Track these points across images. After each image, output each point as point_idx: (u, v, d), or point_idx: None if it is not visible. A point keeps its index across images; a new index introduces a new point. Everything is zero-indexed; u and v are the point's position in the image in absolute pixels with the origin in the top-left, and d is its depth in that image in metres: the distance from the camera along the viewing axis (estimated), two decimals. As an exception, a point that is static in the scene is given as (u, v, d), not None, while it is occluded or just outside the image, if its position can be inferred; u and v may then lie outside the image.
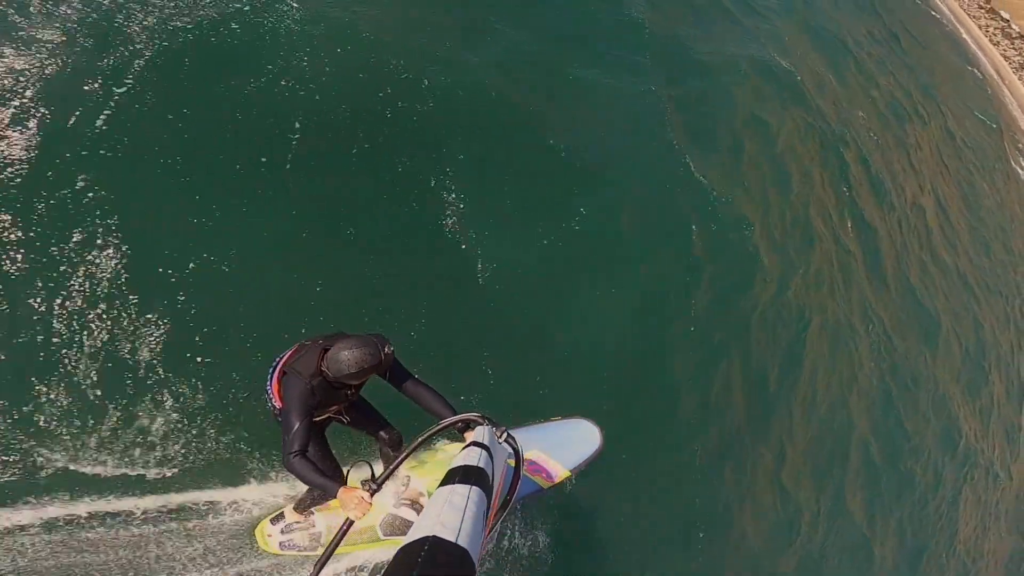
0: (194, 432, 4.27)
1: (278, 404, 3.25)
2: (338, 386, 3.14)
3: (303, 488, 4.00)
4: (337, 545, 2.73)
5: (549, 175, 7.14)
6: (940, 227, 13.92)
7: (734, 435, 7.70)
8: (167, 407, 4.29)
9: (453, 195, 6.28)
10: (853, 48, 15.77)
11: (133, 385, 4.29)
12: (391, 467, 2.98)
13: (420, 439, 3.02)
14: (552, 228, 6.73)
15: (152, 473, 4.07)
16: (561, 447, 4.32)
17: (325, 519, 3.98)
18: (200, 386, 4.43)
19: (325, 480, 2.88)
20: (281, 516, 4.05)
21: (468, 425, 3.13)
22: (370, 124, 6.24)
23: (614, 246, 7.18)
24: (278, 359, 3.35)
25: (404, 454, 3.00)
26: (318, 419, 3.36)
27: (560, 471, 4.27)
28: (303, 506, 3.93)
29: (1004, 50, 33.20)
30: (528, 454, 3.78)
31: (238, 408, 4.44)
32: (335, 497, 2.88)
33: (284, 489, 4.30)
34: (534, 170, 7.11)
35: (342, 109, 6.21)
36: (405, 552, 2.19)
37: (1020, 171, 22.62)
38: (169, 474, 4.11)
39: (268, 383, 3.35)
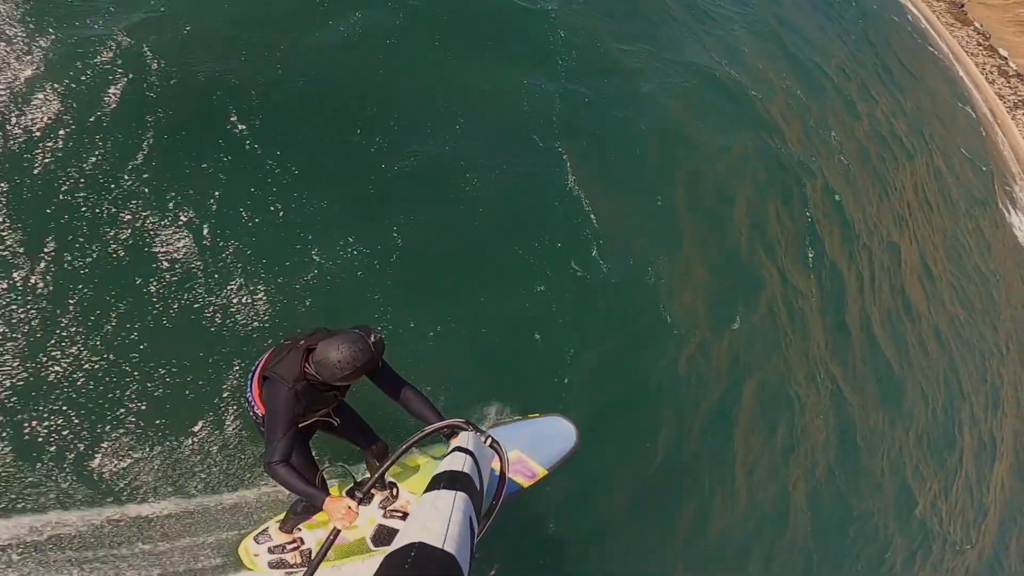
0: (157, 446, 4.03)
1: (260, 411, 3.07)
2: (325, 388, 2.96)
3: (284, 493, 3.92)
4: (323, 556, 2.66)
5: (389, 174, 5.93)
6: (915, 272, 12.80)
7: (647, 504, 6.52)
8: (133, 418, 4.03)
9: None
10: (833, 73, 14.68)
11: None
12: (376, 474, 2.90)
13: (405, 446, 2.92)
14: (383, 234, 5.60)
15: (122, 487, 3.84)
16: (539, 445, 4.32)
17: (313, 534, 3.86)
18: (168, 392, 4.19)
19: (311, 489, 2.76)
20: (265, 534, 3.88)
21: (453, 430, 3.07)
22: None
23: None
24: (257, 363, 3.18)
25: (389, 461, 2.90)
26: (304, 424, 3.16)
27: (539, 470, 4.25)
28: (289, 525, 3.76)
29: (999, 88, 32.62)
30: (509, 454, 3.57)
31: (214, 414, 4.21)
32: (321, 507, 2.79)
33: (255, 494, 4.12)
34: (367, 168, 5.92)
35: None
36: (391, 559, 2.23)
37: (1007, 214, 21.71)
38: (138, 486, 3.88)
39: (248, 389, 3.16)
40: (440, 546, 2.21)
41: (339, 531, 2.78)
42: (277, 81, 5.89)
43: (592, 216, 6.91)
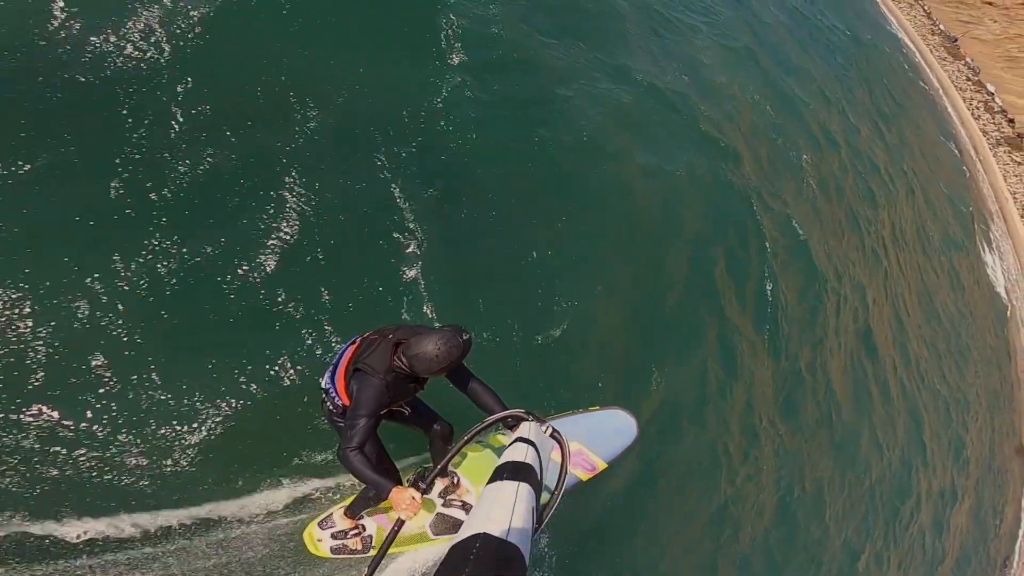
0: (221, 435, 3.94)
1: (343, 402, 3.17)
2: (410, 380, 3.11)
3: (341, 481, 4.08)
4: (389, 546, 2.79)
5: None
6: (884, 316, 12.17)
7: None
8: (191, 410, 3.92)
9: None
10: (811, 97, 14.02)
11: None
12: (440, 464, 3.00)
13: (468, 436, 3.00)
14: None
15: (185, 482, 3.81)
16: (599, 438, 4.33)
17: (375, 521, 3.96)
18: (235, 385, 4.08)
19: (379, 478, 2.85)
20: (330, 519, 3.97)
21: (516, 420, 3.12)
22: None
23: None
24: (339, 356, 3.28)
25: (453, 451, 3.01)
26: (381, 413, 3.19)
27: (599, 463, 4.27)
28: (355, 511, 3.83)
29: (984, 124, 32.51)
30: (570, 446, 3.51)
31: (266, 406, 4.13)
32: (387, 496, 2.84)
33: (318, 484, 4.20)
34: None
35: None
36: (456, 550, 2.29)
37: (983, 254, 21.36)
38: (200, 482, 3.86)
39: (330, 381, 3.25)
40: (504, 537, 2.27)
41: (403, 522, 2.83)
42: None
43: (485, 250, 5.68)
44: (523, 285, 5.89)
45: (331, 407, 3.32)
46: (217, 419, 3.97)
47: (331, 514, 4.00)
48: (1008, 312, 21.04)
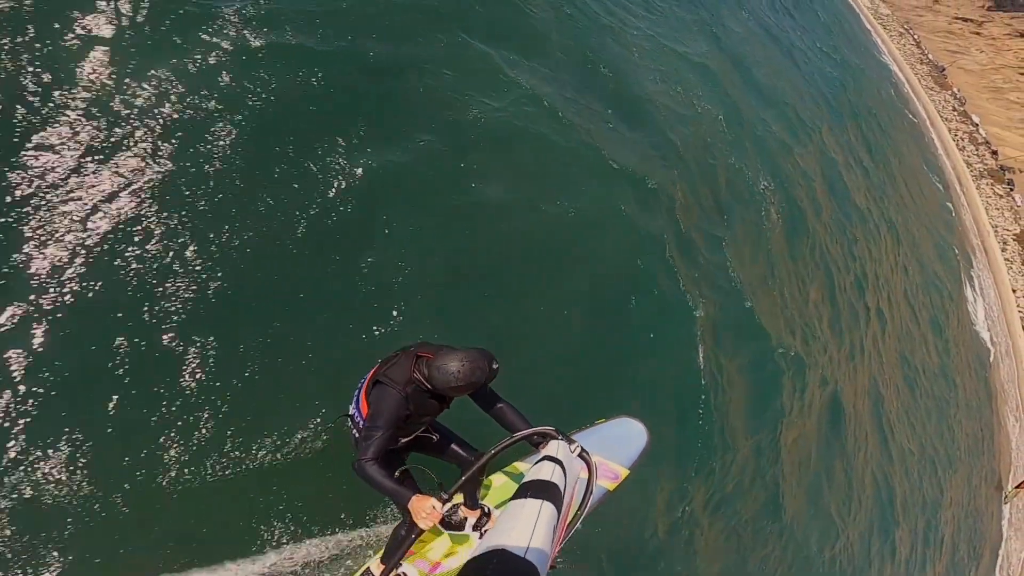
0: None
1: (365, 414, 3.04)
2: (431, 396, 3.00)
3: (375, 532, 3.98)
4: (404, 553, 2.77)
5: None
6: (862, 392, 11.35)
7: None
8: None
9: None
10: (784, 122, 13.49)
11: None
12: (465, 476, 2.89)
13: (494, 450, 2.91)
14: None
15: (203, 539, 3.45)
16: (614, 447, 4.38)
17: (414, 567, 3.66)
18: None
19: (397, 487, 2.78)
20: (368, 573, 3.71)
21: (543, 438, 3.08)
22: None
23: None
24: (362, 380, 3.19)
25: (477, 464, 2.90)
26: (405, 440, 3.19)
27: (621, 471, 4.30)
28: (388, 557, 3.56)
29: (968, 156, 32.55)
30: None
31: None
32: (407, 504, 2.78)
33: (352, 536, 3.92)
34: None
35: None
36: (473, 564, 2.33)
37: (964, 289, 21.06)
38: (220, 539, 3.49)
39: (355, 407, 3.15)
40: (522, 555, 2.28)
41: (422, 531, 2.79)
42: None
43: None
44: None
45: (356, 433, 3.16)
46: (239, 474, 3.65)
47: (368, 567, 3.79)
48: (991, 357, 20.75)
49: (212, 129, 4.39)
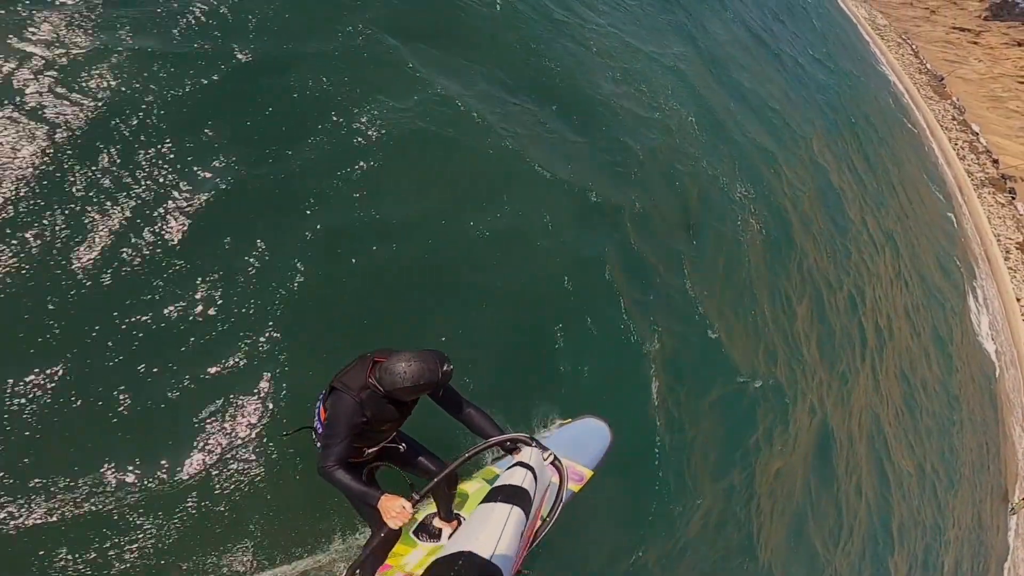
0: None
1: (324, 422, 2.99)
2: (389, 400, 2.92)
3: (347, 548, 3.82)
4: (371, 550, 2.87)
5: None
6: (861, 414, 10.83)
7: None
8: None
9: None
10: (789, 133, 13.09)
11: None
12: (435, 479, 2.92)
13: (467, 454, 2.94)
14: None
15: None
16: (578, 448, 4.40)
17: None
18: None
19: (366, 488, 2.79)
20: None
21: (516, 445, 3.11)
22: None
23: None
24: (323, 391, 3.12)
25: (451, 467, 2.93)
26: (371, 450, 3.15)
27: (585, 472, 4.31)
28: (361, 566, 3.39)
29: (969, 165, 32.02)
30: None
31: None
32: (375, 504, 2.78)
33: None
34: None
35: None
36: (439, 564, 2.40)
37: (969, 301, 20.46)
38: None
39: (316, 414, 3.08)
40: (488, 558, 2.33)
41: (392, 531, 2.79)
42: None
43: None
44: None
45: (316, 438, 3.13)
46: (197, 499, 3.42)
47: None
48: (996, 368, 20.11)
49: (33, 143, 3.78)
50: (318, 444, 3.04)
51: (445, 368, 2.80)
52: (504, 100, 6.86)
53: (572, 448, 4.33)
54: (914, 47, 44.39)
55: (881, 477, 10.35)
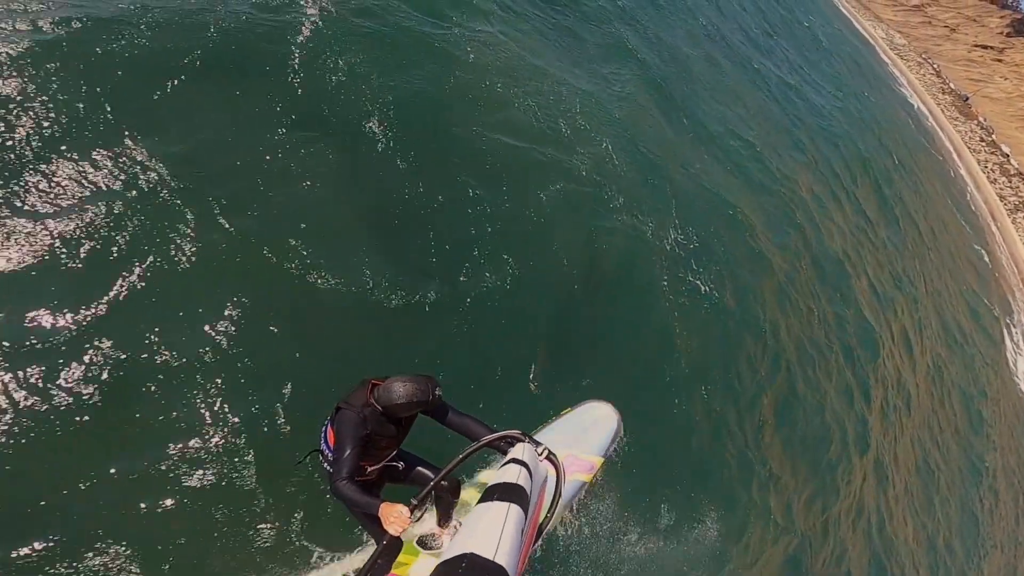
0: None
1: (332, 441, 3.16)
2: (387, 417, 3.12)
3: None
4: (374, 562, 2.80)
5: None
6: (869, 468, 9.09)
7: None
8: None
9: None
10: (807, 164, 11.53)
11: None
12: (432, 484, 2.98)
13: (462, 455, 2.92)
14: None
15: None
16: (582, 436, 4.26)
17: None
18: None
19: (369, 499, 2.90)
20: None
21: (509, 442, 3.16)
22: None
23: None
24: (329, 417, 3.31)
25: (445, 470, 2.95)
26: (375, 467, 3.25)
27: (594, 460, 4.16)
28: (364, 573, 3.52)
29: (1000, 188, 29.99)
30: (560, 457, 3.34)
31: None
32: (377, 512, 2.84)
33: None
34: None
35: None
36: (443, 568, 2.34)
37: (1005, 343, 18.45)
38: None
39: (323, 437, 3.26)
40: (491, 557, 2.30)
41: (393, 537, 2.80)
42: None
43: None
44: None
45: (327, 466, 3.22)
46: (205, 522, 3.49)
47: None
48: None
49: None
50: (326, 465, 3.23)
51: (436, 392, 3.02)
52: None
53: (575, 437, 4.21)
54: (936, 67, 42.69)
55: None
